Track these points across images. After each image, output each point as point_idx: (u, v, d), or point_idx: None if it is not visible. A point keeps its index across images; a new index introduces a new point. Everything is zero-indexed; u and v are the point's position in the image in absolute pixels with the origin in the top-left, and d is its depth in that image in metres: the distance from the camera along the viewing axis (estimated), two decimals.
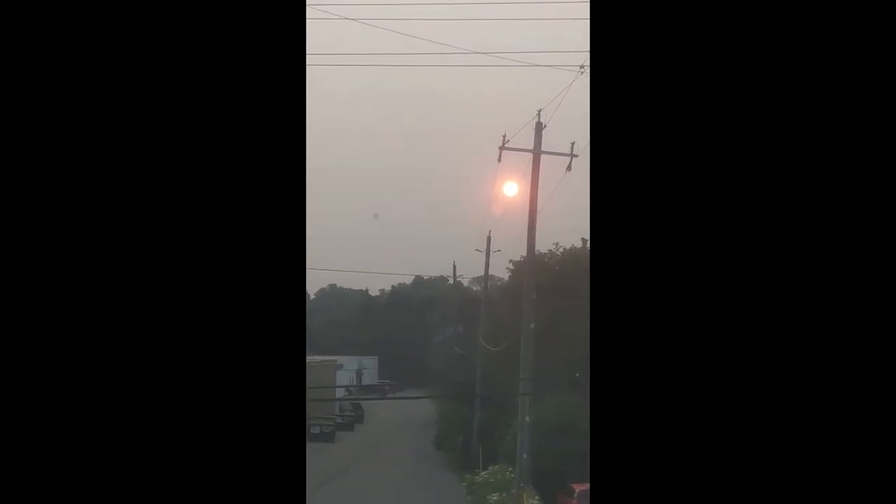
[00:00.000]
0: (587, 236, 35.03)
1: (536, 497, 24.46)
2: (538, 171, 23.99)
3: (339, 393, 63.56)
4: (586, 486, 22.04)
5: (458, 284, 60.96)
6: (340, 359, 69.64)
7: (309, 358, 64.88)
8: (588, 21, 4.65)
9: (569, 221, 51.18)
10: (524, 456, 23.66)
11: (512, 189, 26.94)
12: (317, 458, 41.67)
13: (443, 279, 78.70)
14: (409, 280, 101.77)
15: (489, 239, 42.59)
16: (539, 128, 23.98)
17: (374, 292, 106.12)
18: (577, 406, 27.39)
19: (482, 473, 30.41)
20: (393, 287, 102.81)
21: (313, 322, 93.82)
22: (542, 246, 36.53)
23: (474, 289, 62.36)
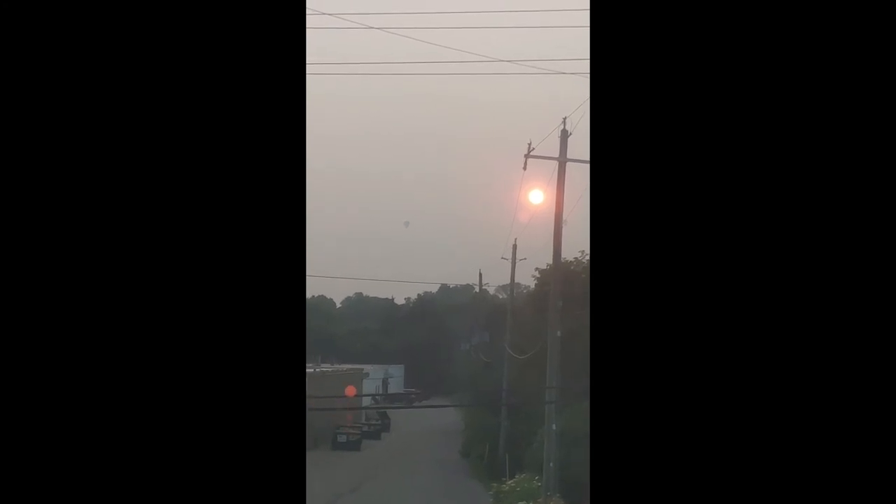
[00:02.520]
0: None
1: None
2: (564, 178, 23.95)
3: (366, 402, 63.63)
4: None
5: (483, 292, 61.01)
6: (366, 367, 69.80)
7: (335, 366, 65.02)
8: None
9: None
10: (551, 464, 23.58)
11: (538, 197, 26.89)
12: (343, 466, 41.73)
13: (469, 287, 78.70)
14: (434, 288, 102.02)
15: (515, 247, 42.58)
16: (564, 135, 23.94)
17: (399, 300, 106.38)
18: None
19: (509, 482, 30.31)
20: (419, 295, 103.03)
21: (339, 330, 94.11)
22: (569, 254, 36.43)
23: (500, 297, 62.31)
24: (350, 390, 32.76)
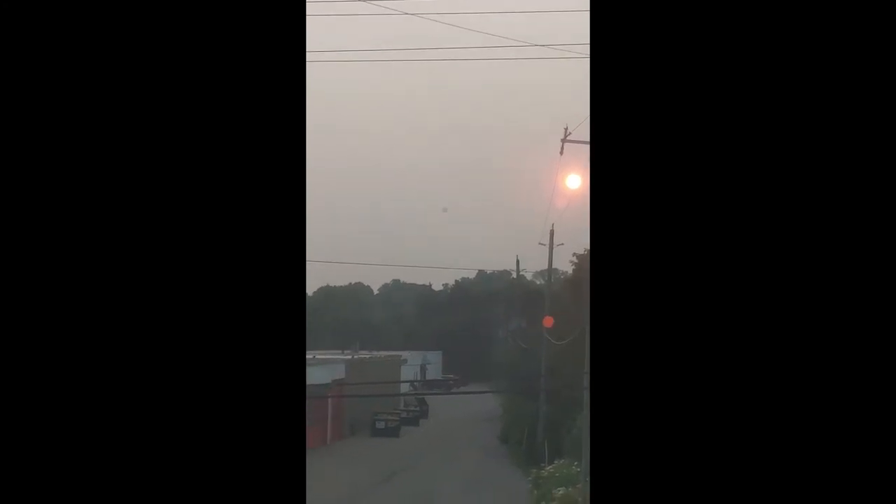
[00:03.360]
0: None
1: None
2: None
3: (404, 388, 63.88)
4: None
5: (521, 278, 60.93)
6: (404, 354, 70.07)
7: (373, 353, 65.38)
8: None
9: None
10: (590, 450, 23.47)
11: (575, 182, 26.78)
12: (382, 452, 41.95)
13: (506, 273, 78.70)
14: (472, 274, 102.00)
15: (552, 232, 42.42)
16: None
17: (437, 286, 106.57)
18: None
19: (548, 468, 30.33)
20: (456, 281, 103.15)
21: (376, 317, 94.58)
22: None
23: (538, 282, 62.12)
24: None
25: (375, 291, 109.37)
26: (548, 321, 34.93)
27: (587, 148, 24.10)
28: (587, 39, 4.69)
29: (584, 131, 24.03)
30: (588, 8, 4.58)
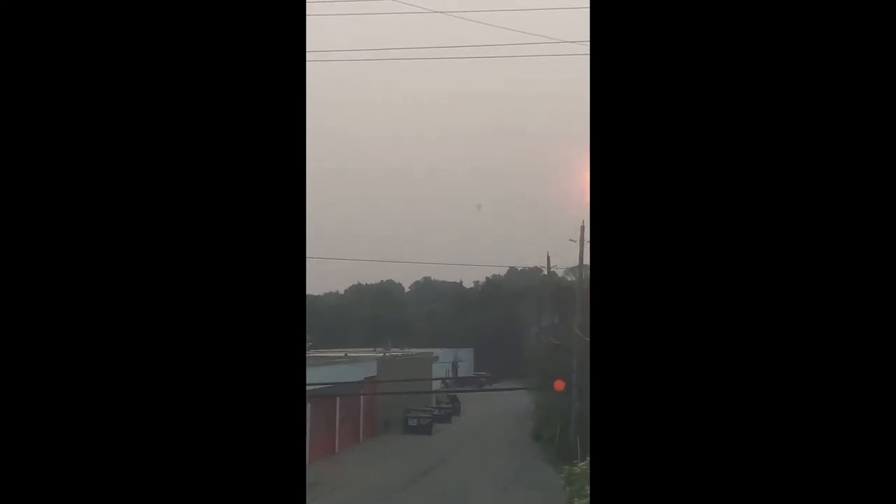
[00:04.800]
0: None
1: None
2: None
3: (436, 385, 63.96)
4: None
5: (552, 275, 60.77)
6: (436, 351, 70.09)
7: (405, 350, 65.39)
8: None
9: None
10: None
11: None
12: (415, 449, 42.02)
13: (537, 270, 78.46)
14: (503, 271, 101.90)
15: (583, 228, 42.24)
16: None
17: (468, 284, 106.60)
18: None
19: (580, 464, 30.20)
20: (487, 278, 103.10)
21: (408, 314, 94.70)
22: None
23: (569, 279, 61.94)
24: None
25: (407, 289, 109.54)
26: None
27: None
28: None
29: None
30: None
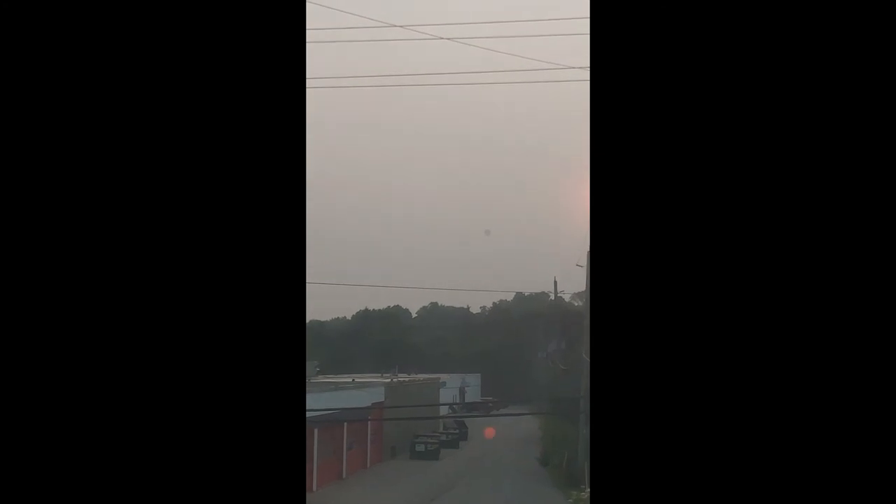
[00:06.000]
0: None
1: None
2: None
3: (443, 410, 63.72)
4: None
5: (559, 300, 60.70)
6: (443, 376, 69.91)
7: (412, 376, 65.12)
8: None
9: None
10: None
11: None
12: (423, 475, 41.85)
13: (544, 295, 78.44)
14: (510, 297, 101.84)
15: (589, 254, 42.33)
16: None
17: (475, 309, 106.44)
18: None
19: (588, 490, 30.14)
20: (494, 304, 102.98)
21: (416, 340, 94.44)
22: None
23: (576, 304, 61.96)
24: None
25: (414, 314, 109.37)
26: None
27: None
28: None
29: None
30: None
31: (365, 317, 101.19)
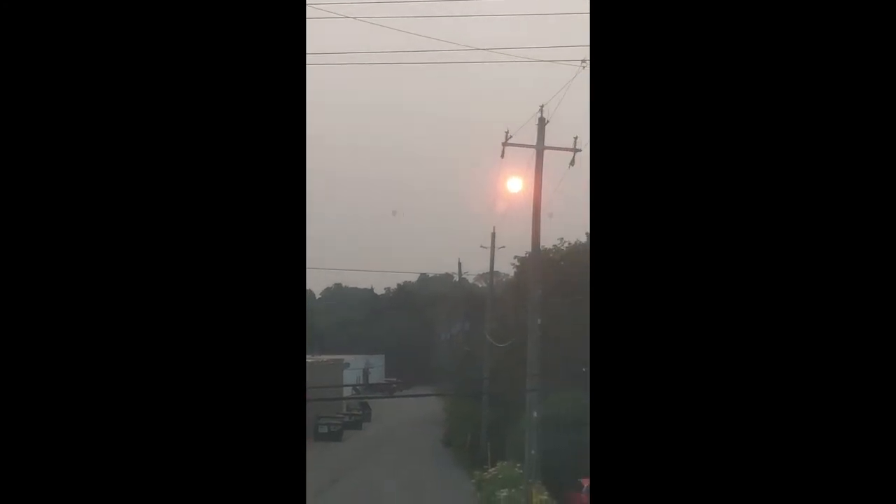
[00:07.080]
0: None
1: (545, 492, 24.49)
2: (541, 166, 24.03)
3: (347, 392, 63.62)
4: None
5: (463, 281, 60.96)
6: (347, 358, 69.69)
7: (316, 357, 65.01)
8: (588, 15, 4.64)
9: (573, 217, 51.21)
10: (532, 452, 23.70)
11: (516, 185, 26.93)
12: (326, 456, 41.71)
13: (448, 276, 78.67)
14: (414, 278, 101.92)
15: (494, 235, 42.58)
16: (542, 123, 24.00)
17: (379, 291, 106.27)
18: (584, 401, 27.38)
19: (491, 470, 30.44)
20: (398, 285, 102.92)
21: (319, 321, 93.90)
22: (547, 241, 36.54)
23: (480, 286, 62.27)
24: None
25: (318, 296, 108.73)
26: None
27: (528, 151, 24.30)
28: (530, 44, 4.74)
29: (525, 135, 24.22)
30: (524, 14, 4.61)
31: None
